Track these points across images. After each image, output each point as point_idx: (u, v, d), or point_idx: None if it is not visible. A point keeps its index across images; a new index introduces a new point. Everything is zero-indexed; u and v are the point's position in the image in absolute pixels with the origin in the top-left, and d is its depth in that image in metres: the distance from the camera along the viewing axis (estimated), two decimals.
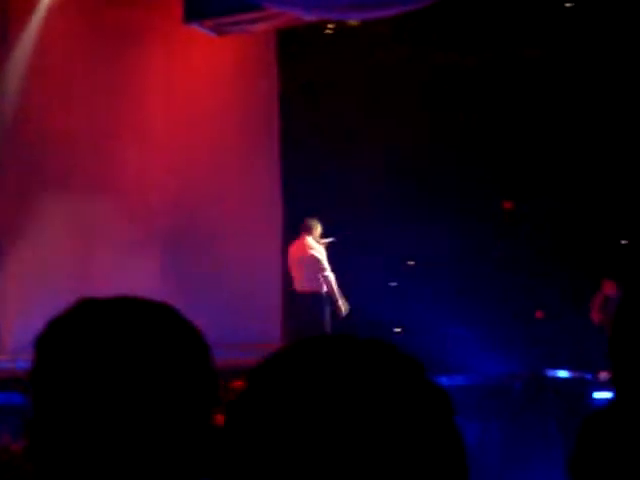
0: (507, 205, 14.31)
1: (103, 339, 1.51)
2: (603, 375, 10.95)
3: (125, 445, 1.45)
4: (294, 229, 12.36)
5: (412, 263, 13.47)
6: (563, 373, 10.86)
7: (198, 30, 11.80)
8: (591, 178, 13.28)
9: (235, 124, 12.73)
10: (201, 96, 12.55)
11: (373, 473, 1.16)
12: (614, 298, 12.06)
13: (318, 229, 11.92)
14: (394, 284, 13.56)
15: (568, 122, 13.31)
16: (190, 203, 12.41)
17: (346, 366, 1.22)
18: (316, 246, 11.83)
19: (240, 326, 11.83)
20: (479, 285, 12.97)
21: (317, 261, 11.67)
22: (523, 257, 13.68)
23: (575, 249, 13.23)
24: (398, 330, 12.95)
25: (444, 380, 10.45)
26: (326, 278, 11.69)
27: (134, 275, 11.26)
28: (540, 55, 13.25)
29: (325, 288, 11.70)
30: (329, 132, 13.36)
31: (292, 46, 13.20)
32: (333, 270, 11.88)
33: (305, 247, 11.82)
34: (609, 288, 12.56)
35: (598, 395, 10.23)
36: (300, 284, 11.81)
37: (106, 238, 12.05)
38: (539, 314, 13.82)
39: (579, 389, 10.55)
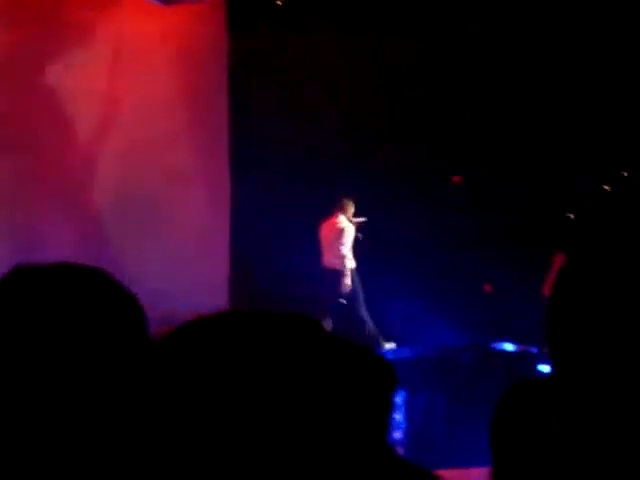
0: (456, 179, 14.34)
1: (37, 305, 1.49)
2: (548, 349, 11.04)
3: (52, 409, 1.43)
4: (242, 199, 12.40)
5: (360, 233, 13.41)
6: (510, 346, 10.93)
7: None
8: (537, 152, 13.33)
9: (183, 99, 12.60)
10: (148, 70, 12.39)
11: (286, 435, 1.16)
12: None
13: (351, 209, 12.52)
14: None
15: (515, 98, 13.34)
16: (135, 174, 12.26)
17: (259, 339, 1.22)
18: (347, 224, 12.41)
19: (185, 295, 11.72)
20: (428, 259, 12.98)
21: (342, 236, 12.27)
22: (472, 231, 13.72)
23: (524, 223, 13.28)
24: (344, 302, 12.96)
25: (391, 353, 10.50)
26: (341, 251, 12.27)
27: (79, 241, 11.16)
28: (482, 31, 13.25)
29: (354, 263, 12.35)
30: (282, 105, 13.28)
31: (242, 18, 13.06)
32: (286, 243, 12.15)
33: (337, 225, 12.41)
34: (559, 262, 12.65)
35: (544, 368, 10.29)
36: (329, 261, 12.40)
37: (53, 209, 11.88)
38: (488, 288, 13.88)
39: (526, 362, 10.62)
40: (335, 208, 12.48)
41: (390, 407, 1.25)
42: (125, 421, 1.43)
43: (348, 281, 12.25)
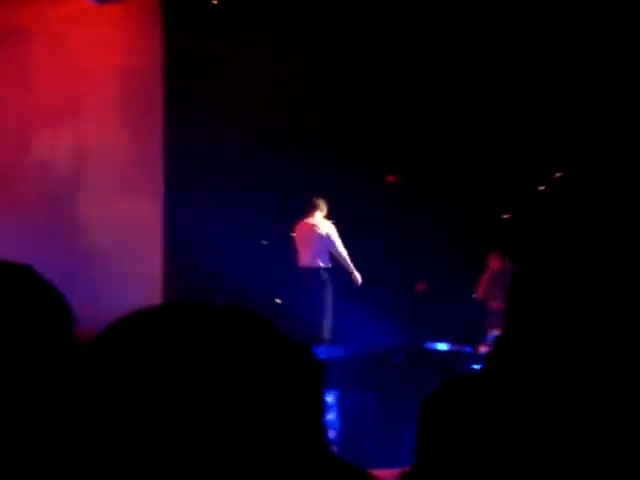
0: (390, 179, 14.38)
1: None
2: (482, 349, 11.11)
3: None
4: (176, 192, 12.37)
5: (265, 243, 13.40)
6: (443, 346, 10.99)
7: None
8: (471, 154, 13.42)
9: (118, 96, 12.48)
10: (82, 68, 12.26)
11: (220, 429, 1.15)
12: (499, 272, 12.25)
13: (324, 208, 12.41)
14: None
15: (448, 95, 13.40)
16: (70, 161, 12.13)
17: (194, 332, 1.20)
18: (324, 223, 12.32)
19: (118, 293, 11.59)
20: (362, 257, 12.98)
21: (327, 237, 12.23)
22: (407, 230, 13.77)
23: (458, 224, 13.35)
24: (279, 301, 12.94)
25: (324, 351, 10.49)
26: (340, 253, 12.26)
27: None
28: (404, 26, 13.26)
29: (329, 264, 12.28)
30: (214, 105, 13.22)
31: (177, 17, 12.97)
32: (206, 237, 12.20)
33: (313, 225, 12.31)
34: (495, 262, 12.76)
35: (477, 367, 10.36)
36: (306, 260, 12.32)
37: None
38: (421, 287, 13.95)
39: (459, 362, 10.68)
40: (309, 208, 12.41)
41: (321, 404, 1.24)
42: (51, 421, 1.39)
43: (358, 276, 12.35)
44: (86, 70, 12.23)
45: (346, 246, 12.43)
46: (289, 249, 12.62)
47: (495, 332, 10.92)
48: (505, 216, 13.47)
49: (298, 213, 12.59)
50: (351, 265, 12.32)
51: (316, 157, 13.28)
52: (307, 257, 12.34)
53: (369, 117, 13.58)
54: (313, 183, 12.98)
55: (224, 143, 13.06)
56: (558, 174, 13.31)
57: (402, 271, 13.46)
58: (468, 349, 11.17)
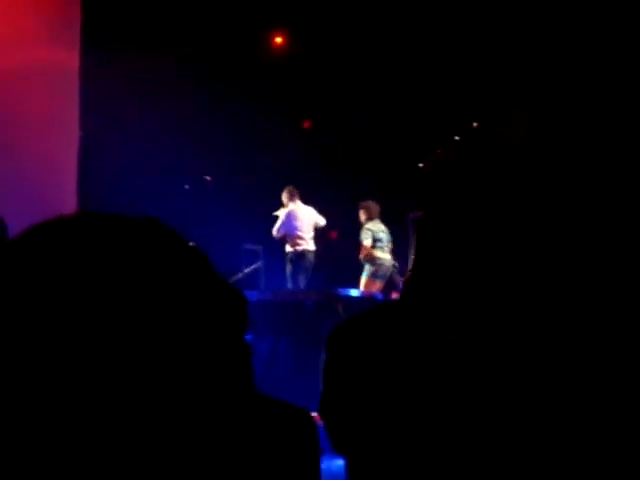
0: (306, 124, 14.37)
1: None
2: (394, 295, 11.19)
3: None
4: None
5: (209, 178, 13.37)
6: (354, 292, 11.05)
7: None
8: (388, 105, 13.45)
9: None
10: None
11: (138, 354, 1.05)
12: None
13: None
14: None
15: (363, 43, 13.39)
16: None
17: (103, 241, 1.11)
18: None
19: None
20: (277, 204, 12.99)
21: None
22: (321, 178, 13.79)
23: (372, 170, 13.41)
24: (192, 244, 12.89)
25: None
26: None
27: None
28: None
29: None
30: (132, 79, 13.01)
31: None
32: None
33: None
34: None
35: None
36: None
37: None
38: (333, 234, 14.01)
39: (368, 307, 10.75)
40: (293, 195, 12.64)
41: (245, 340, 1.17)
42: None
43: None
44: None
45: (259, 190, 12.41)
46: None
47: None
48: (420, 165, 13.58)
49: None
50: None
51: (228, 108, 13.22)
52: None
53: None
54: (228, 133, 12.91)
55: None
56: (474, 124, 13.42)
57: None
58: (379, 295, 11.26)
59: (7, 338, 1.04)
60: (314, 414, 1.41)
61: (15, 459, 1.00)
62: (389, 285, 12.02)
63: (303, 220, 12.50)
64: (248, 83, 13.37)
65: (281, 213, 12.53)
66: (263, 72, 13.46)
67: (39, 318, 1.04)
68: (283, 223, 12.39)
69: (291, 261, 12.48)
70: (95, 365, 1.03)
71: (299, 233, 12.36)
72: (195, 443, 1.08)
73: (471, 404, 1.56)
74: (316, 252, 12.57)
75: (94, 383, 1.03)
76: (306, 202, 12.64)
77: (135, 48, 12.86)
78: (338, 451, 1.76)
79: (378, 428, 1.66)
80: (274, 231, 12.50)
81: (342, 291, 10.75)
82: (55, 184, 12.22)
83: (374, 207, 12.35)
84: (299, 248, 12.35)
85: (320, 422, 1.62)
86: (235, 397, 1.14)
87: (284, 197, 12.58)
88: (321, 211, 12.69)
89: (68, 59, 12.40)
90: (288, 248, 12.53)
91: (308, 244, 12.42)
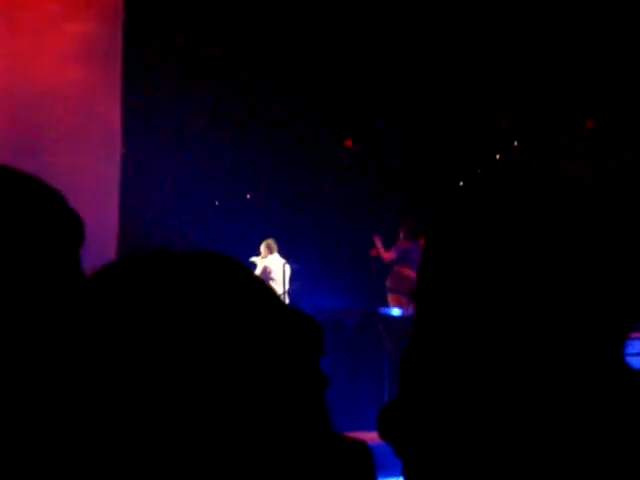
0: (348, 143, 14.34)
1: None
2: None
3: None
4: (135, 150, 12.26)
5: (248, 197, 13.39)
6: (396, 311, 10.99)
7: None
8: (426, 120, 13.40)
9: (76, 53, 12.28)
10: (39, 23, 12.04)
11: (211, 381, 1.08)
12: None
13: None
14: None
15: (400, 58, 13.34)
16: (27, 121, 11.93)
17: (183, 279, 1.14)
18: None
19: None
20: (316, 221, 12.98)
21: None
22: (362, 196, 13.75)
23: (413, 189, 13.36)
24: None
25: None
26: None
27: None
28: None
29: None
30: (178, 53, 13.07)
31: None
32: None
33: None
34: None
35: None
36: None
37: None
38: (374, 252, 13.96)
39: (410, 327, 10.68)
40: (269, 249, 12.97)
41: (320, 371, 1.19)
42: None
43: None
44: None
45: (302, 208, 12.43)
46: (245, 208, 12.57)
47: None
48: (461, 184, 13.50)
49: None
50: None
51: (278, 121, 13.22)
52: None
53: (326, 85, 13.49)
54: (270, 146, 12.91)
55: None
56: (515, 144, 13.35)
57: (354, 235, 13.44)
58: None
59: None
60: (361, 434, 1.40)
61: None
62: None
63: (277, 272, 12.81)
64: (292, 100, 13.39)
65: (258, 263, 12.84)
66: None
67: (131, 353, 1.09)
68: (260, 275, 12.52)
69: None
70: (175, 397, 1.07)
71: (273, 284, 12.64)
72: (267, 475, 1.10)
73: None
74: (354, 270, 12.63)
75: (177, 417, 1.07)
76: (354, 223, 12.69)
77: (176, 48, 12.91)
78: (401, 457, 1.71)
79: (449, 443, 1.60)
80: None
81: (383, 310, 10.71)
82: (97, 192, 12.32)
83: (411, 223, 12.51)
84: None
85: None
86: (311, 429, 1.15)
87: (263, 249, 12.92)
88: (366, 227, 12.74)
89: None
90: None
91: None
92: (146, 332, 1.09)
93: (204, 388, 1.08)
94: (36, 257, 1.37)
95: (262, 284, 1.18)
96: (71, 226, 1.42)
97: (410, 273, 11.97)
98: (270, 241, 12.92)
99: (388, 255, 12.53)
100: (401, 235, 12.41)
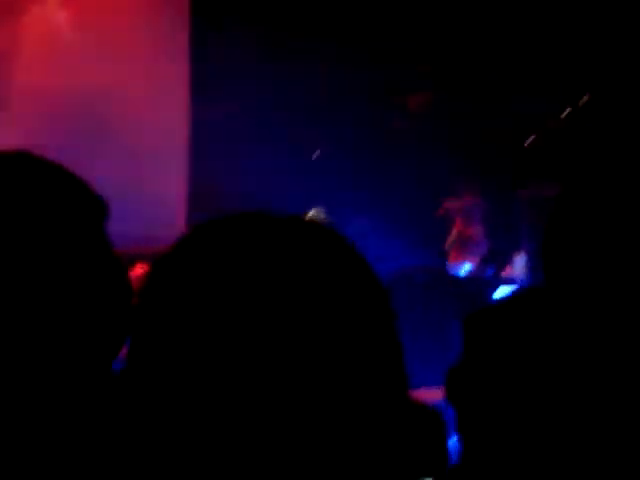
0: (417, 100, 14.27)
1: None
2: (505, 272, 11.09)
3: None
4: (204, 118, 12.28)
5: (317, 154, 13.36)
6: (467, 266, 10.99)
7: None
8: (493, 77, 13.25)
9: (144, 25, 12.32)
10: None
11: (296, 357, 1.08)
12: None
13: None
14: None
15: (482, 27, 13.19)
16: (85, 93, 11.98)
17: (266, 243, 1.15)
18: None
19: (140, 215, 11.51)
20: (384, 180, 12.94)
21: None
22: (430, 154, 13.68)
23: (481, 151, 13.27)
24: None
25: None
26: None
27: None
28: None
29: None
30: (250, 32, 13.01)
31: None
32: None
33: None
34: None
35: (498, 293, 10.31)
36: None
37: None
38: (442, 211, 13.89)
39: (480, 286, 10.65)
40: None
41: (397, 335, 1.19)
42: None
43: None
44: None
45: (370, 166, 12.42)
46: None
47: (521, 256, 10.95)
48: (529, 140, 13.33)
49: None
50: None
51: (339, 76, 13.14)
52: None
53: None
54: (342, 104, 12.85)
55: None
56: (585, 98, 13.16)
57: (423, 193, 13.37)
58: (490, 271, 11.16)
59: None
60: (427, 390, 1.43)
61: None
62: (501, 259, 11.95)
63: None
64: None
65: None
66: None
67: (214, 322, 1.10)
68: None
69: None
70: (260, 369, 1.08)
71: None
72: (345, 444, 1.10)
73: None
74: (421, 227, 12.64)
75: (260, 388, 1.09)
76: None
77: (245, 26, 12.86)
78: (460, 431, 1.71)
79: (513, 417, 1.58)
80: None
81: (450, 268, 10.69)
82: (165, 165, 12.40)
83: None
84: None
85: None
86: (389, 396, 1.14)
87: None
88: (436, 185, 12.72)
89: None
90: None
91: None
92: (245, 294, 1.09)
93: (290, 346, 1.07)
94: (62, 232, 1.41)
95: (350, 250, 1.21)
96: (93, 204, 1.47)
97: (472, 232, 11.90)
98: (318, 210, 12.81)
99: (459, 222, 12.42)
100: (463, 195, 12.34)
